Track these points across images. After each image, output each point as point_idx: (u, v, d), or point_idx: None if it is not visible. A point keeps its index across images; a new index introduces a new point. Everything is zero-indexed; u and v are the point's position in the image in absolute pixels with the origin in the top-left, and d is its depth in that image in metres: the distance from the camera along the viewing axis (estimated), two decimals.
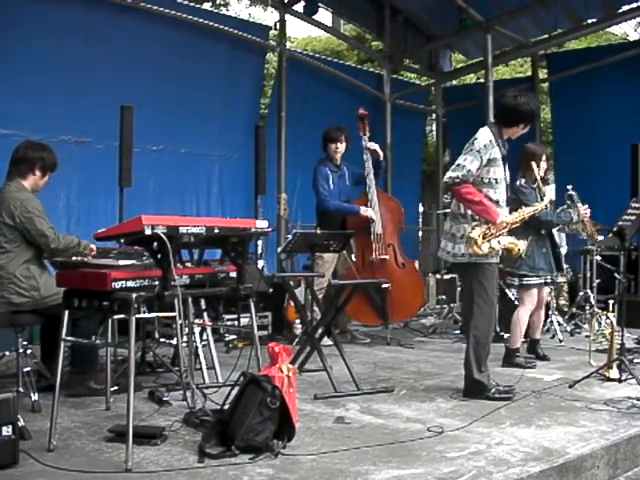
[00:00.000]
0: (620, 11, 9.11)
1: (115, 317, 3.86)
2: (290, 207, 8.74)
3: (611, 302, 5.08)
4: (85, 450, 3.20)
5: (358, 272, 6.40)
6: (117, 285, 3.05)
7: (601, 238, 5.93)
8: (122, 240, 4.01)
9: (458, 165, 4.11)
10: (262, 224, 3.69)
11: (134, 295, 3.00)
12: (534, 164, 5.05)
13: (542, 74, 10.42)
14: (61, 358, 3.26)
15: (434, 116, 11.83)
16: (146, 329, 5.19)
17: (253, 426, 3.12)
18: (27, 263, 4.12)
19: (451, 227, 4.31)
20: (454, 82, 12.16)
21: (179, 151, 7.95)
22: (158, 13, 7.61)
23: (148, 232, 3.01)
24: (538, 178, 5.05)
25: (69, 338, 3.48)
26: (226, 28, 8.31)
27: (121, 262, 3.72)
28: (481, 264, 4.19)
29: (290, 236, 5.56)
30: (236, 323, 6.22)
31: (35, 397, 3.86)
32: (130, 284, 3.11)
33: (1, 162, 4.37)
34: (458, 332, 6.97)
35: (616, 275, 6.26)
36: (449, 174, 4.11)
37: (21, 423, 3.18)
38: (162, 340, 5.36)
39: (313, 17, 9.34)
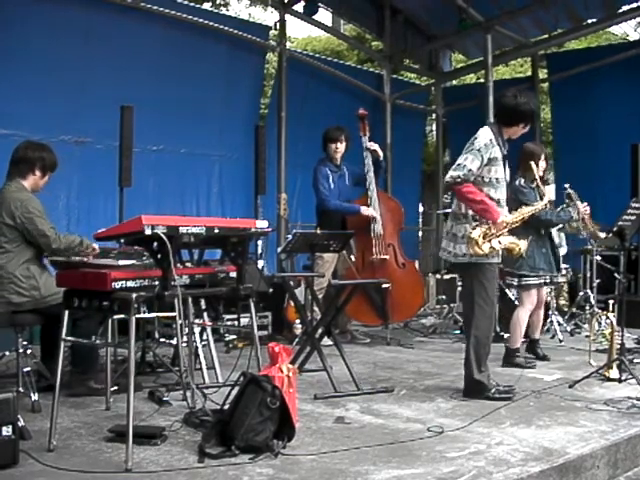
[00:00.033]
0: (620, 11, 9.12)
1: (115, 317, 3.86)
2: (290, 207, 8.74)
3: (611, 302, 5.08)
4: (85, 450, 3.20)
5: (358, 272, 6.40)
6: (117, 285, 3.05)
7: (603, 235, 5.90)
8: (122, 240, 4.01)
9: (459, 165, 4.11)
10: (262, 224, 3.69)
11: (134, 295, 3.00)
12: (533, 164, 5.05)
13: (542, 74, 10.42)
14: (61, 358, 3.26)
15: (434, 116, 11.83)
16: (146, 329, 5.19)
17: (253, 426, 3.12)
18: (27, 263, 4.12)
19: (452, 227, 4.31)
20: (454, 82, 12.16)
21: (179, 151, 7.95)
22: (158, 13, 7.61)
23: (148, 232, 3.01)
24: (537, 178, 5.05)
25: (69, 338, 3.48)
26: (226, 28, 8.31)
27: (121, 262, 3.71)
28: (482, 264, 4.19)
29: (290, 236, 5.56)
30: (236, 323, 6.22)
31: (35, 397, 3.86)
32: (130, 284, 3.11)
33: (1, 162, 4.37)
34: (458, 332, 6.97)
35: (616, 275, 6.26)
36: (450, 174, 4.11)
37: (21, 423, 3.18)
38: (162, 340, 5.36)
39: (313, 17, 9.34)
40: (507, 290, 6.37)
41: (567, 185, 5.88)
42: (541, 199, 4.95)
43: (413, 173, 11.34)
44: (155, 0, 7.54)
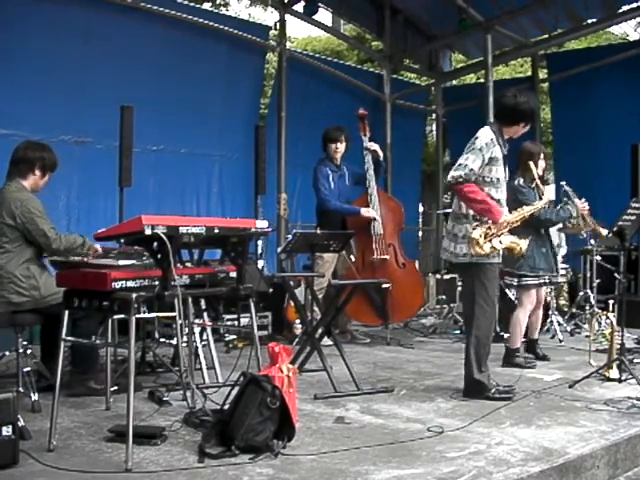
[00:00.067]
0: (620, 11, 9.12)
1: (115, 317, 3.86)
2: (290, 207, 8.75)
3: (611, 302, 5.08)
4: (85, 450, 3.20)
5: (358, 272, 6.40)
6: (117, 285, 3.05)
7: (605, 232, 5.88)
8: (122, 240, 4.01)
9: (460, 164, 4.11)
10: (262, 224, 3.69)
11: (134, 295, 3.00)
12: (532, 164, 5.05)
13: (542, 74, 10.42)
14: (61, 358, 3.26)
15: (434, 116, 11.83)
16: (146, 329, 5.19)
17: (253, 426, 3.12)
18: (27, 263, 4.12)
19: (453, 227, 4.31)
20: (454, 82, 12.16)
21: (179, 151, 7.95)
22: (158, 13, 7.61)
23: (148, 232, 3.01)
24: (536, 177, 5.04)
25: (69, 338, 3.48)
26: (226, 28, 8.32)
27: (121, 262, 3.71)
28: (482, 264, 4.19)
29: (290, 236, 5.56)
30: (236, 323, 6.22)
31: (35, 397, 3.86)
32: (130, 284, 3.11)
33: (1, 162, 4.37)
34: (458, 332, 6.98)
35: (616, 275, 6.26)
36: (452, 174, 4.11)
37: (21, 423, 3.18)
38: (162, 340, 5.36)
39: (313, 17, 9.34)
40: (507, 290, 6.37)
41: (563, 182, 5.87)
42: (540, 199, 4.95)
43: (413, 173, 11.34)
44: (155, 0, 7.54)
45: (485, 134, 4.18)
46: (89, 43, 7.07)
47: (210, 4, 13.05)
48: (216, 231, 3.38)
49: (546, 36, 9.95)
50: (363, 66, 12.75)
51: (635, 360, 5.14)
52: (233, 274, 3.65)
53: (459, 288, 7.33)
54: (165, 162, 7.76)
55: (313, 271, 5.89)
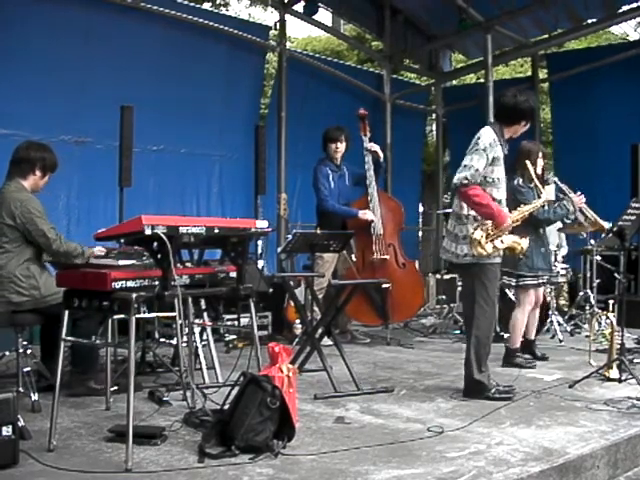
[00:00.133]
0: (620, 11, 9.12)
1: (115, 317, 3.86)
2: (290, 207, 8.75)
3: (611, 302, 5.08)
4: (85, 450, 3.20)
5: (358, 272, 6.40)
6: (117, 285, 3.05)
7: (608, 225, 5.84)
8: (122, 240, 4.01)
9: (465, 166, 4.11)
10: (262, 224, 3.69)
11: (134, 295, 3.00)
12: (528, 163, 5.04)
13: (542, 74, 10.43)
14: (61, 358, 3.26)
15: (434, 116, 11.84)
16: (146, 329, 5.19)
17: (253, 426, 3.12)
18: (27, 263, 4.12)
19: (454, 227, 4.32)
20: (454, 82, 12.17)
21: (179, 151, 7.95)
22: (158, 13, 7.61)
23: (148, 232, 3.01)
24: (534, 176, 5.04)
25: (69, 338, 3.48)
26: (226, 28, 8.32)
27: (121, 262, 3.72)
28: (484, 264, 4.19)
29: (290, 236, 5.56)
30: (236, 323, 6.22)
31: (35, 397, 3.86)
32: (130, 284, 3.12)
33: (1, 162, 4.37)
34: (458, 332, 6.98)
35: (616, 275, 6.26)
36: (457, 176, 4.11)
37: (21, 423, 3.18)
38: (162, 340, 5.36)
39: (313, 17, 9.34)
40: (507, 290, 6.37)
41: (555, 179, 5.84)
42: (539, 198, 4.95)
43: (413, 173, 11.34)
44: (155, 0, 7.54)
45: (487, 134, 4.18)
46: (89, 43, 7.07)
47: (210, 4, 13.06)
48: (216, 231, 3.38)
49: (546, 36, 9.95)
50: (363, 66, 12.75)
51: (635, 360, 5.14)
52: (233, 274, 3.65)
53: (459, 288, 7.33)
54: (165, 162, 7.76)
55: (313, 271, 5.89)
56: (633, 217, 5.13)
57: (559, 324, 6.66)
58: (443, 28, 10.16)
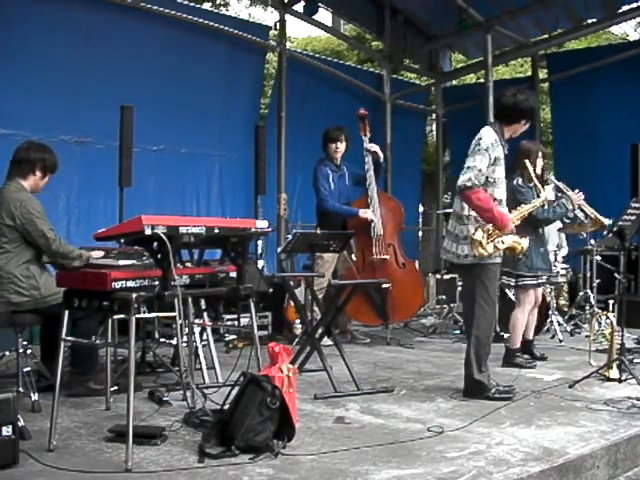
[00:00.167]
0: (620, 11, 9.12)
1: (115, 317, 3.86)
2: (290, 207, 8.75)
3: (611, 302, 5.08)
4: (85, 450, 3.20)
5: (358, 272, 6.40)
6: (117, 285, 3.05)
7: (608, 222, 5.83)
8: (122, 240, 4.01)
9: (468, 167, 4.11)
10: (262, 224, 3.69)
11: (134, 295, 3.00)
12: (527, 162, 5.04)
13: (542, 74, 10.43)
14: (61, 358, 3.26)
15: (434, 116, 11.84)
16: (146, 329, 5.19)
17: (253, 426, 3.12)
18: (27, 263, 4.12)
19: (454, 228, 4.32)
20: (454, 82, 12.17)
21: (179, 151, 7.95)
22: (158, 13, 7.61)
23: (148, 232, 3.01)
24: (533, 176, 5.04)
25: (69, 338, 3.48)
26: (226, 28, 8.32)
27: (121, 262, 3.71)
28: (485, 264, 4.19)
29: (290, 236, 5.56)
30: (236, 323, 6.22)
31: (35, 397, 3.86)
32: (130, 284, 3.12)
33: (1, 162, 4.37)
34: (458, 332, 6.98)
35: (616, 275, 6.26)
36: (461, 178, 4.10)
37: (21, 423, 3.18)
38: (162, 340, 5.36)
39: (313, 17, 9.34)
40: (507, 290, 6.37)
41: (552, 177, 5.82)
42: (539, 198, 4.96)
43: (413, 173, 11.34)
44: (155, 0, 7.54)
45: (489, 135, 4.19)
46: (89, 43, 7.07)
47: (210, 4, 13.05)
48: (216, 231, 3.38)
49: (546, 36, 9.95)
50: (363, 66, 12.75)
51: (635, 360, 5.14)
52: (233, 274, 3.65)
53: (459, 288, 7.34)
54: (165, 162, 7.76)
55: (313, 271, 5.89)
56: (633, 217, 5.13)
57: (559, 324, 6.66)
58: (443, 28, 10.16)
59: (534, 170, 5.11)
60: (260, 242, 7.42)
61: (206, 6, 11.93)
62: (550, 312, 6.60)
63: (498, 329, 5.98)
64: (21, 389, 3.87)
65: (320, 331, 4.76)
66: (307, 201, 7.64)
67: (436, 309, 8.70)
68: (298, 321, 6.25)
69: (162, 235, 3.02)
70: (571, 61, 9.76)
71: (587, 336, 5.96)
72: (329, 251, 5.76)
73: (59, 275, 3.44)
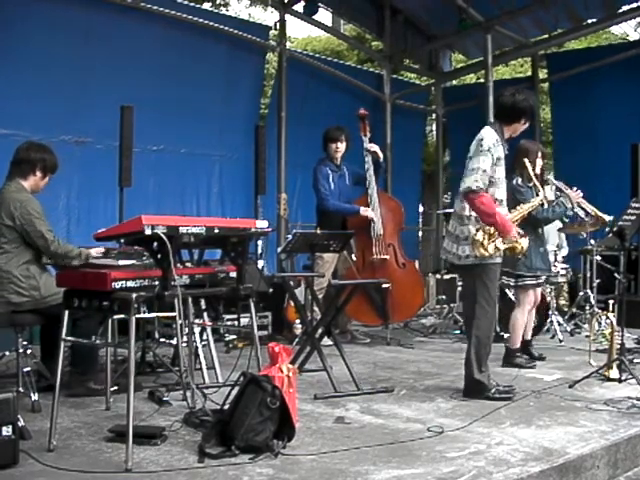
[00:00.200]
0: (620, 11, 9.12)
1: (115, 317, 3.86)
2: (290, 207, 8.75)
3: (611, 302, 5.08)
4: (85, 450, 3.20)
5: (358, 272, 6.40)
6: (117, 285, 3.05)
7: (609, 218, 5.81)
8: (122, 240, 4.01)
9: (473, 169, 4.11)
10: (262, 224, 3.69)
11: (134, 295, 3.00)
12: (526, 161, 5.04)
13: (542, 74, 10.43)
14: (61, 358, 3.26)
15: (434, 116, 11.84)
16: (146, 329, 5.19)
17: (253, 426, 3.12)
18: (27, 264, 4.12)
19: (455, 228, 4.32)
20: (454, 82, 12.17)
21: (179, 151, 7.95)
22: (158, 13, 7.61)
23: (148, 232, 3.01)
24: (532, 175, 5.03)
25: (69, 338, 3.48)
26: (226, 28, 8.32)
27: (121, 262, 3.72)
28: (486, 264, 4.20)
29: (290, 236, 5.56)
30: (236, 323, 6.22)
31: (35, 397, 3.86)
32: (130, 284, 3.12)
33: (1, 162, 4.37)
34: (458, 332, 6.98)
35: (616, 275, 6.25)
36: (467, 183, 4.09)
37: (21, 423, 3.18)
38: (162, 340, 5.36)
39: (313, 17, 9.35)
40: (507, 290, 6.37)
41: (549, 177, 5.81)
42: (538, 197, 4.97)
43: (413, 173, 11.34)
44: (155, 0, 7.54)
45: (490, 135, 4.19)
46: (89, 43, 7.07)
47: (210, 4, 13.05)
48: (216, 231, 3.38)
49: (546, 36, 9.95)
50: (363, 66, 12.75)
51: (635, 360, 5.14)
52: (233, 274, 3.65)
53: (459, 288, 7.34)
54: (165, 162, 7.76)
55: (313, 271, 5.89)
56: (633, 217, 5.13)
57: (559, 324, 6.66)
58: (443, 28, 10.16)
59: (533, 170, 5.11)
60: (260, 242, 7.42)
61: (206, 6, 11.93)
62: (550, 312, 6.60)
63: (498, 329, 5.97)
64: (21, 389, 3.87)
65: (320, 331, 4.76)
66: (307, 201, 7.64)
67: (436, 309, 8.70)
68: (298, 321, 6.25)
69: (162, 235, 3.02)
70: (571, 61, 9.77)
71: (587, 336, 5.96)
72: (329, 251, 5.77)
73: (59, 275, 3.44)
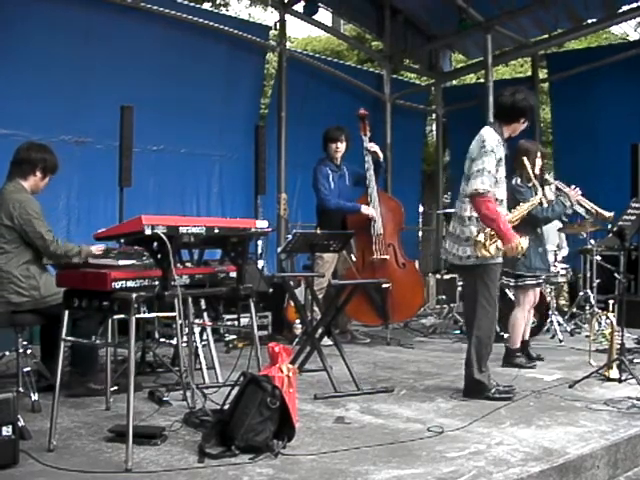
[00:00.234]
0: (620, 11, 9.12)
1: (115, 317, 3.86)
2: (290, 207, 8.75)
3: (611, 302, 5.08)
4: (85, 450, 3.20)
5: (358, 272, 6.40)
6: (117, 285, 3.05)
7: (610, 214, 5.79)
8: (122, 240, 4.01)
9: (478, 171, 4.11)
10: (262, 224, 3.69)
11: (134, 295, 3.00)
12: (525, 159, 5.04)
13: (542, 74, 10.43)
14: (61, 358, 3.26)
15: (434, 116, 11.84)
16: (146, 329, 5.19)
17: (253, 426, 3.12)
18: (27, 264, 4.12)
19: (456, 229, 4.32)
20: (454, 82, 12.17)
21: (179, 151, 7.95)
22: (158, 13, 7.61)
23: (148, 232, 3.01)
24: (531, 175, 5.03)
25: (69, 338, 3.48)
26: (226, 28, 8.32)
27: (121, 262, 3.71)
28: (487, 265, 4.20)
29: (290, 236, 5.56)
30: (236, 323, 6.22)
31: (35, 397, 3.86)
32: (130, 284, 3.12)
33: (1, 162, 4.37)
34: (458, 332, 6.98)
35: (616, 275, 6.26)
36: (474, 185, 4.09)
37: (21, 423, 3.18)
38: (162, 340, 5.36)
39: (313, 17, 9.35)
40: (507, 290, 6.36)
41: (547, 176, 5.80)
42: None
43: (413, 173, 11.34)
44: (155, 0, 7.54)
45: (491, 136, 4.19)
46: (89, 43, 7.07)
47: (210, 4, 13.05)
48: (216, 231, 3.38)
49: (546, 36, 9.96)
50: (363, 66, 12.75)
51: (635, 360, 5.14)
52: (233, 274, 3.65)
53: (459, 288, 7.34)
54: (165, 162, 7.76)
55: (313, 271, 5.89)
56: (633, 217, 5.13)
57: (559, 324, 6.66)
58: (443, 28, 10.16)
59: (533, 170, 5.11)
60: (260, 242, 7.42)
61: (206, 6, 11.93)
62: (550, 312, 6.60)
63: (498, 329, 5.96)
64: (21, 389, 3.87)
65: (320, 331, 4.76)
66: (307, 201, 7.64)
67: (436, 309, 8.70)
68: (298, 321, 6.25)
69: (162, 235, 3.02)
70: (571, 61, 9.77)
71: (587, 336, 5.96)
72: (329, 251, 5.77)
73: (59, 275, 3.44)
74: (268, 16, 14.73)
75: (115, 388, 4.04)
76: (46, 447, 3.17)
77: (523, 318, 5.31)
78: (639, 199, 5.73)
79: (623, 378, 4.58)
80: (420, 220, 13.14)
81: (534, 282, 5.32)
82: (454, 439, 3.39)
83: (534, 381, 4.73)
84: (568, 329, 6.87)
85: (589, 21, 9.48)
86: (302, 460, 3.08)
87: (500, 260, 4.27)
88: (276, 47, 9.18)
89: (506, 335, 5.58)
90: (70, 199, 7.05)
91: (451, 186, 11.73)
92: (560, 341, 6.37)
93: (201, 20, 8.04)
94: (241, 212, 8.10)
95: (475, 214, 4.18)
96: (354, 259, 6.56)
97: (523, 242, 4.25)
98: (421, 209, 13.08)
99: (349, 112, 7.51)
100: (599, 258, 7.08)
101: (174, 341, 5.05)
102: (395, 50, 10.41)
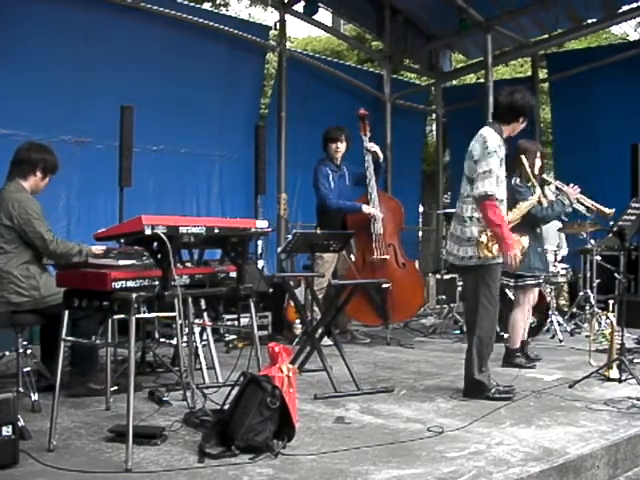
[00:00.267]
0: (620, 11, 9.13)
1: (115, 317, 3.86)
2: (290, 207, 8.75)
3: (611, 302, 5.08)
4: (85, 450, 3.20)
5: (358, 272, 6.40)
6: (117, 285, 3.05)
7: (610, 210, 5.76)
8: (122, 240, 4.01)
9: (484, 172, 4.11)
10: (262, 224, 3.69)
11: (134, 295, 3.00)
12: (523, 157, 5.03)
13: (542, 74, 10.43)
14: (61, 358, 3.26)
15: (434, 116, 11.84)
16: (146, 329, 5.19)
17: (253, 426, 3.12)
18: (27, 264, 4.12)
19: (457, 230, 4.32)
20: (454, 82, 12.17)
21: (179, 151, 7.96)
22: (158, 13, 7.61)
23: (148, 232, 3.01)
24: (530, 174, 5.03)
25: (69, 338, 3.48)
26: (226, 28, 8.32)
27: (121, 262, 3.71)
28: (489, 265, 4.20)
29: (290, 236, 5.56)
30: (236, 323, 6.22)
31: (35, 397, 3.86)
32: (130, 284, 3.11)
33: (1, 162, 4.37)
34: (458, 332, 6.97)
35: (616, 275, 6.25)
36: (482, 188, 4.09)
37: (21, 423, 3.18)
38: (162, 340, 5.36)
39: (313, 17, 9.35)
40: (507, 290, 6.36)
41: (545, 176, 5.80)
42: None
43: (413, 173, 11.34)
44: (155, 0, 7.54)
45: (493, 136, 4.20)
46: (89, 43, 7.07)
47: (210, 4, 13.05)
48: (216, 231, 3.38)
49: (546, 36, 9.96)
50: (363, 66, 12.75)
51: (635, 360, 5.14)
52: (233, 274, 3.65)
53: (459, 288, 7.34)
54: (165, 162, 7.76)
55: (313, 271, 5.89)
56: (633, 217, 5.13)
57: (559, 324, 6.66)
58: (443, 28, 10.16)
59: (532, 170, 5.11)
60: (260, 242, 7.42)
61: (206, 6, 11.93)
62: (550, 312, 6.59)
63: (498, 329, 5.96)
64: (21, 389, 3.87)
65: (320, 331, 4.76)
66: (307, 201, 7.64)
67: (436, 309, 8.69)
68: (298, 321, 6.25)
69: (162, 235, 3.02)
70: (571, 61, 9.77)
71: (587, 336, 5.96)
72: (329, 251, 5.77)
73: (59, 275, 3.44)
74: (268, 16, 14.75)
75: (115, 388, 4.04)
76: (46, 447, 3.17)
77: (523, 318, 5.31)
78: (639, 199, 5.74)
79: (623, 378, 4.58)
80: (420, 220, 13.14)
81: (534, 282, 5.32)
82: (454, 439, 3.39)
83: (534, 381, 4.73)
84: (568, 329, 6.87)
85: (589, 21, 9.49)
86: (302, 460, 3.08)
87: (501, 260, 4.27)
88: (276, 47, 9.18)
89: (506, 335, 5.58)
90: (70, 199, 7.05)
91: (451, 186, 11.73)
92: (560, 341, 6.37)
93: (201, 20, 8.04)
94: (241, 212, 8.10)
95: (476, 214, 4.18)
96: (353, 259, 6.55)
97: (524, 242, 4.25)
98: (421, 209, 13.09)
99: (349, 112, 7.51)
100: (599, 258, 7.08)
101: (174, 341, 5.05)
102: (395, 50, 10.42)
